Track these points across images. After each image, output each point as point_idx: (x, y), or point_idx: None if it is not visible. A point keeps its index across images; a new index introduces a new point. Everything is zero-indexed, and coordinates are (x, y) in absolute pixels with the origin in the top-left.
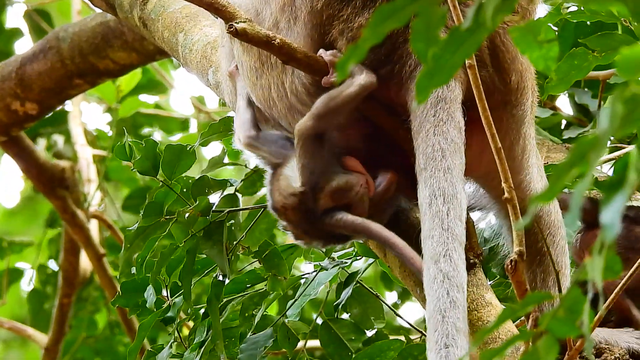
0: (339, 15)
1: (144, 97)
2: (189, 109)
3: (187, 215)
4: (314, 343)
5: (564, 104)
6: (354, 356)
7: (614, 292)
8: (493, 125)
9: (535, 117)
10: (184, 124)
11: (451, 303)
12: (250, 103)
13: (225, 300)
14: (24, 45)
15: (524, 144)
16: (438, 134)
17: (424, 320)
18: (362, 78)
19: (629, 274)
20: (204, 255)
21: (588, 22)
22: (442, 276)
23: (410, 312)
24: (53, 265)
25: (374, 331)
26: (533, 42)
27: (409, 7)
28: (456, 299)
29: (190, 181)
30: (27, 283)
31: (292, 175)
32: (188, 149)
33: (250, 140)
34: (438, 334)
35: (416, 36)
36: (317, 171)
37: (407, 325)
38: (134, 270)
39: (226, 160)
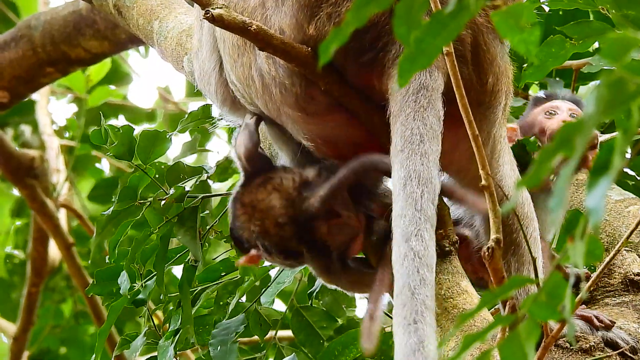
0: None
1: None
2: (151, 99)
3: (162, 202)
4: (287, 333)
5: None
6: (326, 344)
7: (596, 274)
8: (470, 113)
9: None
10: (150, 115)
11: (421, 281)
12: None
13: (199, 288)
14: None
15: (493, 144)
16: (418, 119)
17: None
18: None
19: (605, 262)
20: (177, 245)
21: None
22: (412, 254)
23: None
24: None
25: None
26: (514, 25)
27: None
28: (426, 277)
29: (163, 167)
30: None
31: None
32: (167, 136)
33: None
34: (407, 309)
35: (399, 20)
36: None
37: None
38: (107, 259)
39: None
